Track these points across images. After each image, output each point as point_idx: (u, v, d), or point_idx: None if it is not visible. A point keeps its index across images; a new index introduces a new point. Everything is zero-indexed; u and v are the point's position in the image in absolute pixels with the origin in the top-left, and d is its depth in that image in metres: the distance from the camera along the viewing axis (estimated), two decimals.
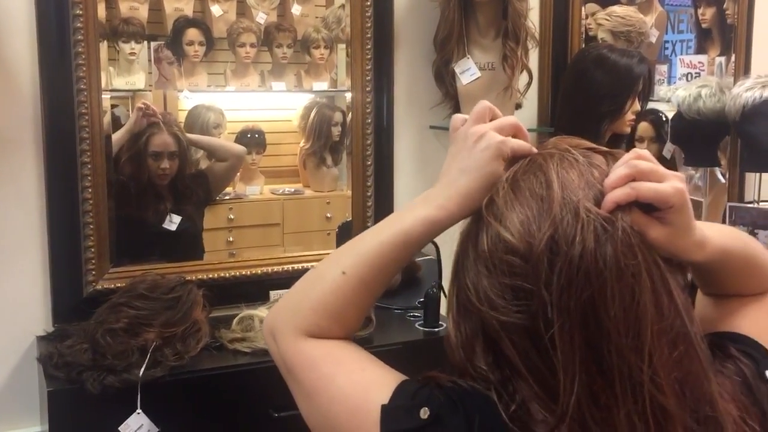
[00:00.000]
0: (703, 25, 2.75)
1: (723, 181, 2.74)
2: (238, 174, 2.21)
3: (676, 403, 0.73)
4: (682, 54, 2.73)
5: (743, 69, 2.69)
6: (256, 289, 2.03)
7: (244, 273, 2.07)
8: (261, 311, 1.84)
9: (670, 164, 2.63)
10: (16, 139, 1.81)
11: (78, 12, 1.78)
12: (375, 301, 0.92)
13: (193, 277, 1.95)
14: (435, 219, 0.85)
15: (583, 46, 2.45)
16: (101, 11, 1.85)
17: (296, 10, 2.20)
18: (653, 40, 2.63)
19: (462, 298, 0.81)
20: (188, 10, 2.07)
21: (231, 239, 2.19)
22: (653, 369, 0.72)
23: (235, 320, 1.84)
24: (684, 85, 2.61)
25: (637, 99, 2.21)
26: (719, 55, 2.73)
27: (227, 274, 2.05)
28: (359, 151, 2.20)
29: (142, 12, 2.00)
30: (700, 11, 2.75)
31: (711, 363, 0.78)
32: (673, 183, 0.75)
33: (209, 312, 1.83)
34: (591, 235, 0.72)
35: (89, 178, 1.84)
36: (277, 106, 2.33)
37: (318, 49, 2.22)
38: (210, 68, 2.13)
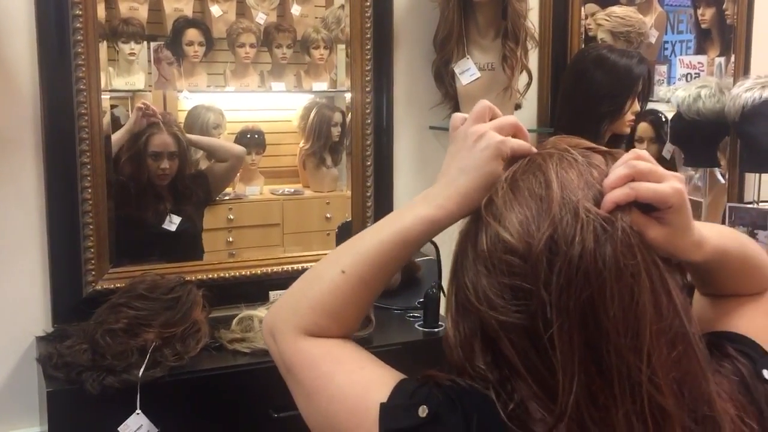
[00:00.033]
0: (703, 26, 2.75)
1: (722, 181, 2.75)
2: (238, 174, 2.21)
3: (674, 403, 0.73)
4: (681, 54, 2.74)
5: (743, 69, 2.69)
6: (256, 289, 2.03)
7: (243, 273, 2.07)
8: (260, 311, 1.84)
9: (669, 165, 2.63)
10: (15, 140, 1.81)
11: (78, 12, 1.79)
12: (374, 300, 0.92)
13: (193, 278, 1.95)
14: (434, 218, 0.85)
15: (583, 46, 2.45)
16: (101, 11, 1.85)
17: (296, 10, 2.20)
18: (653, 40, 2.63)
19: (461, 298, 0.81)
20: (188, 11, 2.07)
21: (231, 239, 2.19)
22: (652, 369, 0.72)
23: (235, 320, 1.84)
24: (683, 85, 2.61)
25: (636, 99, 2.21)
26: (719, 56, 2.74)
27: (227, 275, 2.05)
28: (359, 151, 2.20)
29: (142, 12, 2.00)
30: (699, 12, 2.75)
31: (709, 363, 0.79)
32: (672, 183, 0.76)
33: (209, 312, 1.83)
34: (590, 235, 0.73)
35: (89, 178, 1.84)
36: (277, 107, 2.33)
37: (318, 49, 2.22)
38: (209, 68, 2.13)
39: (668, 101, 2.62)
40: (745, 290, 0.94)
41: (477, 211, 0.81)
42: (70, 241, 1.84)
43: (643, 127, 2.65)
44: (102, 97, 1.85)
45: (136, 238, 2.04)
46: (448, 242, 0.85)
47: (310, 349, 0.88)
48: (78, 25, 1.79)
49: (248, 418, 1.68)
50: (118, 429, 1.56)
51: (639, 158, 0.77)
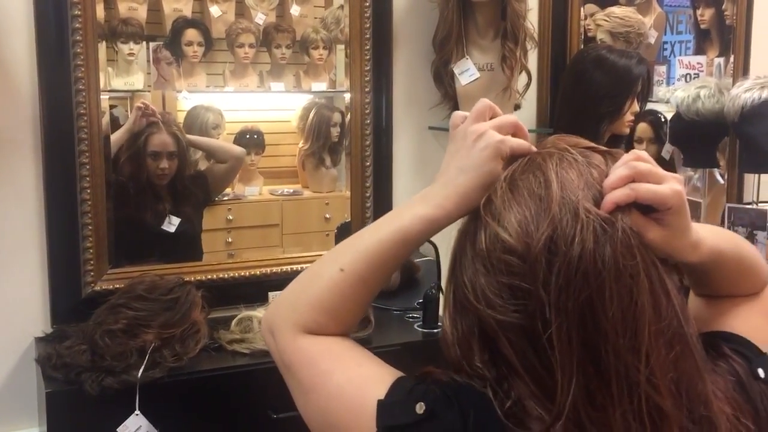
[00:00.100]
0: (702, 26, 2.76)
1: (722, 182, 2.75)
2: (237, 174, 2.21)
3: (672, 403, 0.74)
4: (680, 55, 2.74)
5: (742, 70, 2.69)
6: (255, 290, 2.02)
7: (242, 274, 2.07)
8: (260, 312, 1.84)
9: (668, 165, 2.63)
10: (14, 140, 1.81)
11: (76, 12, 1.78)
12: (373, 298, 0.92)
13: (192, 278, 1.95)
14: (432, 218, 0.85)
15: (582, 47, 2.45)
16: (100, 12, 1.85)
17: (295, 10, 2.20)
18: (652, 40, 2.63)
19: (459, 296, 0.81)
20: (187, 11, 2.07)
21: (230, 240, 2.19)
22: (650, 369, 0.72)
23: (234, 321, 1.84)
24: (683, 86, 2.61)
25: (636, 100, 2.21)
26: (718, 56, 2.74)
27: (226, 275, 2.05)
28: (358, 151, 2.20)
29: (141, 12, 2.00)
30: (698, 12, 2.75)
31: (706, 363, 0.79)
32: (671, 185, 0.76)
33: (208, 313, 1.83)
34: (590, 236, 0.73)
35: (88, 178, 1.84)
36: (276, 107, 2.33)
37: (317, 49, 2.22)
38: (209, 69, 2.13)
39: (667, 102, 2.62)
40: (740, 291, 0.94)
41: (476, 209, 0.81)
42: (69, 242, 1.84)
43: (643, 128, 2.65)
44: (101, 97, 1.85)
45: (135, 239, 2.04)
46: (447, 242, 0.85)
47: (309, 347, 0.88)
48: (77, 25, 1.79)
49: (247, 419, 1.68)
50: (117, 430, 1.56)
51: (639, 159, 0.77)
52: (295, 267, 2.10)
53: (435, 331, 1.95)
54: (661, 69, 2.72)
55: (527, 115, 2.40)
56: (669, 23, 2.74)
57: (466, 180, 0.83)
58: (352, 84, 2.17)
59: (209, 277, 2.02)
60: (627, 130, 2.28)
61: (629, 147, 2.46)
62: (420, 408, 0.78)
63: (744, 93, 2.43)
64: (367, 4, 2.13)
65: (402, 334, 1.95)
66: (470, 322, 0.80)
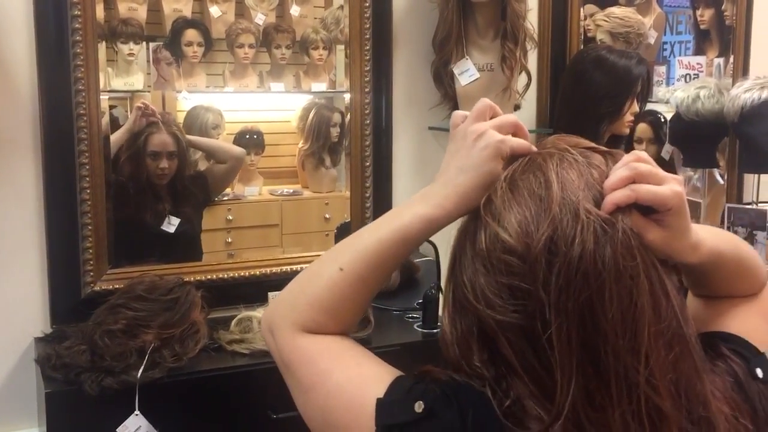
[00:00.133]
0: (702, 27, 2.76)
1: (721, 182, 2.75)
2: (237, 175, 2.21)
3: (671, 404, 0.74)
4: (680, 55, 2.74)
5: (742, 70, 2.69)
6: (255, 290, 2.02)
7: (242, 274, 2.07)
8: (259, 312, 1.84)
9: (668, 165, 2.63)
10: (14, 140, 1.81)
11: (76, 13, 1.78)
12: (372, 297, 0.92)
13: (192, 278, 1.95)
14: (432, 217, 0.85)
15: (582, 47, 2.45)
16: (99, 12, 1.85)
17: (295, 11, 2.20)
18: (652, 41, 2.63)
19: (458, 295, 0.81)
20: (187, 11, 2.07)
21: (229, 240, 2.19)
22: (649, 370, 0.72)
23: (234, 321, 1.84)
24: (682, 86, 2.61)
25: (635, 100, 2.21)
26: (718, 57, 2.74)
27: (226, 276, 2.05)
28: (358, 152, 2.20)
29: (141, 13, 2.00)
30: (698, 12, 2.75)
31: (704, 363, 0.79)
32: (671, 186, 0.76)
33: (208, 313, 1.83)
34: (591, 237, 0.73)
35: (87, 179, 1.84)
36: (276, 107, 2.33)
37: (317, 50, 2.22)
38: (208, 69, 2.13)
39: (667, 102, 2.62)
40: (738, 292, 0.94)
41: (476, 209, 0.81)
42: (69, 242, 1.84)
43: (642, 128, 2.65)
44: (101, 97, 1.85)
45: (135, 239, 2.04)
46: (447, 242, 0.85)
47: (308, 346, 0.88)
48: (77, 25, 1.79)
49: (247, 419, 1.68)
50: (117, 430, 1.56)
51: (639, 160, 0.77)
52: (294, 267, 2.10)
53: (435, 331, 1.95)
54: (661, 69, 2.72)
55: (527, 115, 2.40)
56: (669, 23, 2.74)
57: (466, 180, 0.83)
58: (352, 84, 2.17)
59: (209, 277, 2.02)
60: (627, 131, 2.28)
61: (629, 147, 2.46)
62: (419, 407, 0.78)
63: (744, 93, 2.43)
64: (367, 4, 2.13)
65: (402, 335, 1.95)
66: (469, 322, 0.80)
